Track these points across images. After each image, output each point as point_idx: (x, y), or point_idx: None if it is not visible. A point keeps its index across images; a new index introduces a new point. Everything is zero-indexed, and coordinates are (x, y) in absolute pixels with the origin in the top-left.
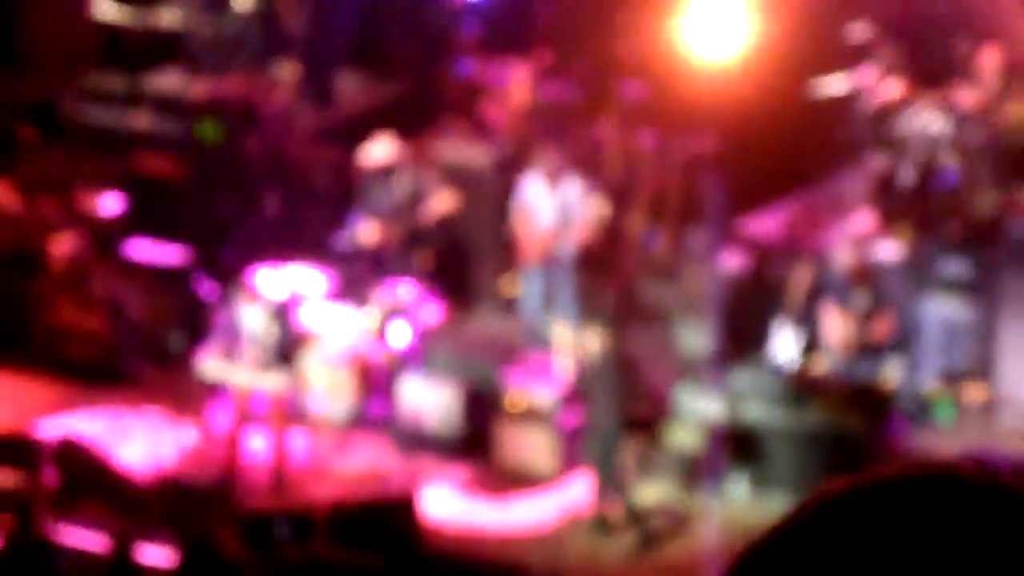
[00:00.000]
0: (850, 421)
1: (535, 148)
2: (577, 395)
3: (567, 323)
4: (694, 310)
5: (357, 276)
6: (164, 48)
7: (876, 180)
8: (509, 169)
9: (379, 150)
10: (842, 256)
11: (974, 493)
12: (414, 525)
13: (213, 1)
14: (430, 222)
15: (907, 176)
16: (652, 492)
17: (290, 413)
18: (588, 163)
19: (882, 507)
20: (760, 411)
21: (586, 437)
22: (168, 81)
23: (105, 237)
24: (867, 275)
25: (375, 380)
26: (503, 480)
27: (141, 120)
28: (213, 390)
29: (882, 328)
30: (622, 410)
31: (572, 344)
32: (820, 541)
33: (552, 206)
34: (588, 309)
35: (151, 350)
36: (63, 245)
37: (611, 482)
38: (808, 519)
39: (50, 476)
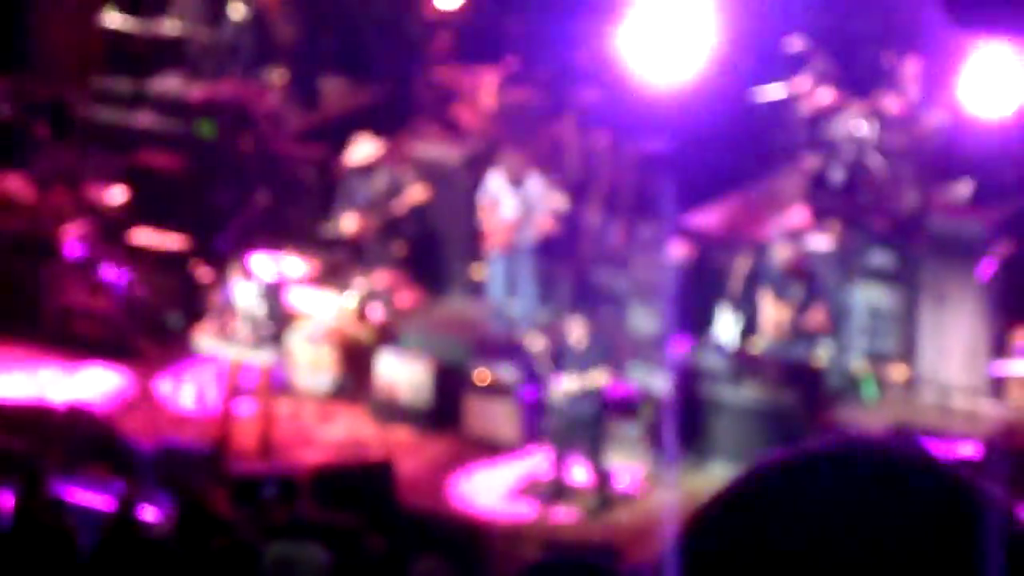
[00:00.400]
0: (784, 397)
1: (503, 147)
2: (539, 372)
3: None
4: (644, 295)
5: (338, 262)
6: (166, 54)
7: (809, 179)
8: (477, 166)
9: (360, 149)
10: (778, 248)
11: (898, 461)
12: (390, 487)
13: (210, 11)
14: (404, 213)
15: (837, 175)
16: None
17: (277, 385)
18: (549, 160)
19: (813, 476)
20: (702, 387)
21: (560, 414)
22: (169, 84)
23: (111, 225)
24: (800, 265)
25: (354, 356)
26: (471, 449)
27: (144, 119)
28: (208, 364)
29: (816, 316)
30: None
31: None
32: (757, 509)
33: (515, 199)
34: (547, 293)
35: (153, 328)
36: (73, 232)
37: (594, 455)
38: (746, 489)
39: (58, 441)
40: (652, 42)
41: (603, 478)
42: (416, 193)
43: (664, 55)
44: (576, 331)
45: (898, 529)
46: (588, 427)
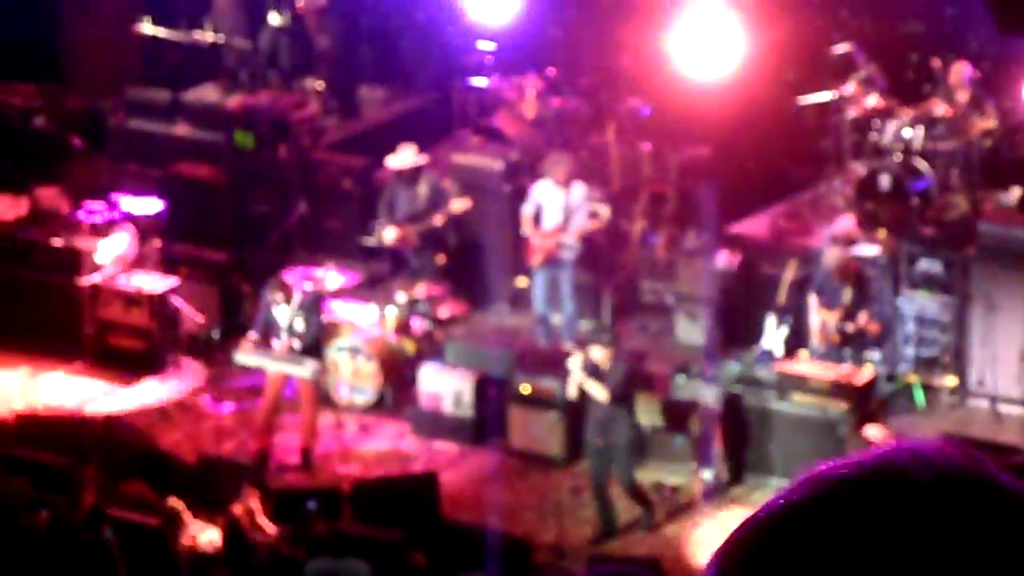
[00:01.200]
0: (833, 407)
1: (545, 156)
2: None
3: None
4: (689, 305)
5: (380, 273)
6: (202, 63)
7: (857, 186)
8: (519, 175)
9: (401, 158)
10: (826, 255)
11: (953, 473)
12: (433, 500)
13: (247, 20)
14: (446, 224)
15: (885, 182)
16: (651, 474)
17: (318, 398)
18: (591, 170)
19: (866, 490)
20: (750, 398)
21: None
22: (206, 93)
23: (147, 237)
24: (849, 273)
25: (396, 369)
26: (515, 461)
27: (181, 129)
28: (249, 378)
29: (867, 324)
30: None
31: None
32: (809, 524)
33: (559, 209)
34: (590, 305)
35: (192, 341)
36: (109, 245)
37: (630, 487)
38: (797, 503)
39: (97, 456)
40: (699, 46)
41: (636, 495)
42: (459, 205)
43: (711, 59)
44: (597, 355)
45: (956, 544)
46: (617, 446)
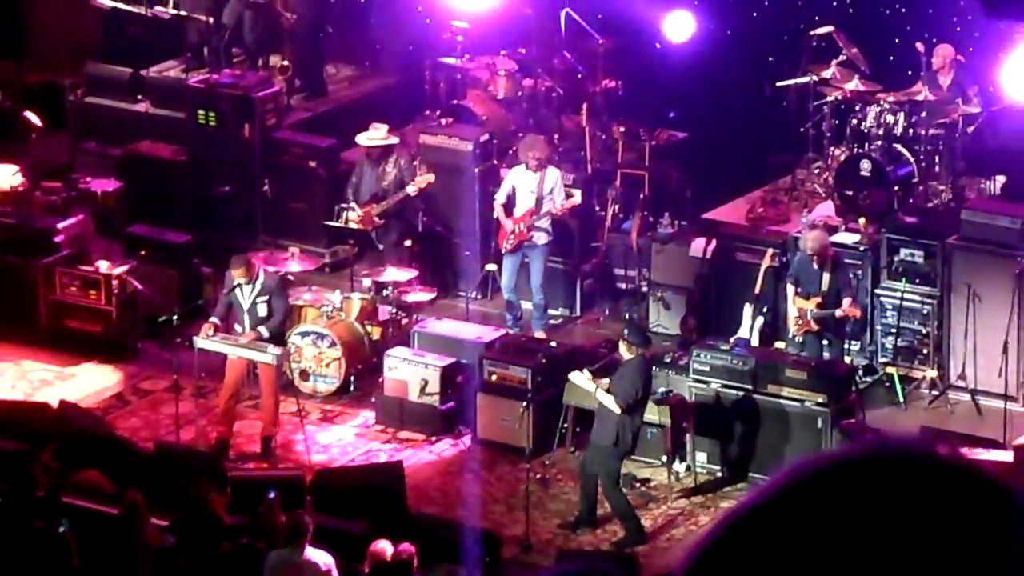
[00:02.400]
0: (809, 399)
1: (517, 138)
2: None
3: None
4: (663, 292)
5: (346, 257)
6: (164, 39)
7: (837, 172)
8: (489, 157)
9: (369, 137)
10: (804, 239)
11: (932, 467)
12: (398, 491)
13: None
14: (412, 204)
15: (866, 168)
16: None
17: (280, 385)
18: (564, 153)
19: (846, 485)
20: (725, 389)
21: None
22: (168, 70)
23: (107, 217)
24: (826, 257)
25: (361, 355)
26: (483, 452)
27: (141, 107)
28: (209, 363)
29: (850, 309)
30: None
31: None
32: (790, 518)
33: (534, 192)
34: (561, 290)
35: (151, 324)
36: (67, 225)
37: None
38: (778, 497)
39: (52, 442)
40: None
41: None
42: (421, 179)
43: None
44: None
45: (935, 537)
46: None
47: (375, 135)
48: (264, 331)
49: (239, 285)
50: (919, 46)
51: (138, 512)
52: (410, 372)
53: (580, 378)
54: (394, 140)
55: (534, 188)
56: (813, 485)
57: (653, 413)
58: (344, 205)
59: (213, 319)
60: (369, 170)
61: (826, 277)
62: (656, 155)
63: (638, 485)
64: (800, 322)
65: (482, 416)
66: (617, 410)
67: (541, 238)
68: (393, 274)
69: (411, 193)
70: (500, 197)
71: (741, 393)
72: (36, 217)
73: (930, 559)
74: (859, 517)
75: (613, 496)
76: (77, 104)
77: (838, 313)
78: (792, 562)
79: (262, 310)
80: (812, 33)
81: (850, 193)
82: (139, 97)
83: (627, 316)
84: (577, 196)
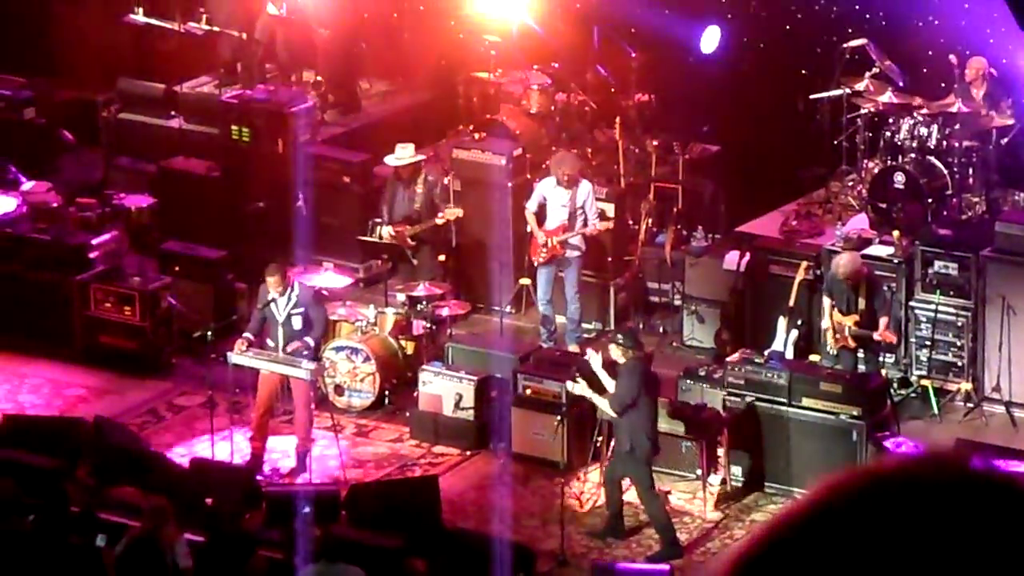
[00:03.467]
0: (844, 412)
1: (550, 153)
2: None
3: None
4: (697, 306)
5: (379, 272)
6: (198, 55)
7: (871, 184)
8: (522, 172)
9: (397, 157)
10: (836, 267)
11: (972, 481)
12: (433, 505)
13: (244, 10)
14: (445, 227)
15: (899, 180)
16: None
17: (314, 400)
18: (598, 167)
19: (883, 501)
20: (759, 403)
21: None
22: (201, 86)
23: (141, 234)
24: (862, 282)
25: (395, 370)
26: (518, 466)
27: (175, 123)
28: (243, 378)
29: (885, 334)
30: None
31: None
32: (828, 532)
33: (566, 206)
34: (595, 305)
35: (185, 341)
36: (101, 242)
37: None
38: (814, 512)
39: (86, 459)
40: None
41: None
42: (451, 213)
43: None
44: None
45: (971, 552)
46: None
47: (403, 155)
48: (310, 341)
49: (273, 300)
50: (952, 58)
51: (165, 518)
52: (444, 387)
53: (578, 388)
54: (421, 157)
55: (566, 203)
56: (850, 501)
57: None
58: (378, 220)
59: (247, 334)
60: (400, 191)
61: (861, 299)
62: (689, 169)
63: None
64: (838, 337)
65: (516, 430)
66: (612, 414)
67: (574, 252)
68: (426, 289)
69: (439, 223)
70: (531, 206)
71: (776, 406)
72: (70, 234)
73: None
74: (895, 534)
75: (649, 504)
76: (110, 120)
77: (876, 336)
78: None
79: (296, 323)
80: (845, 46)
81: (884, 206)
82: (172, 113)
83: (661, 330)
84: (608, 215)
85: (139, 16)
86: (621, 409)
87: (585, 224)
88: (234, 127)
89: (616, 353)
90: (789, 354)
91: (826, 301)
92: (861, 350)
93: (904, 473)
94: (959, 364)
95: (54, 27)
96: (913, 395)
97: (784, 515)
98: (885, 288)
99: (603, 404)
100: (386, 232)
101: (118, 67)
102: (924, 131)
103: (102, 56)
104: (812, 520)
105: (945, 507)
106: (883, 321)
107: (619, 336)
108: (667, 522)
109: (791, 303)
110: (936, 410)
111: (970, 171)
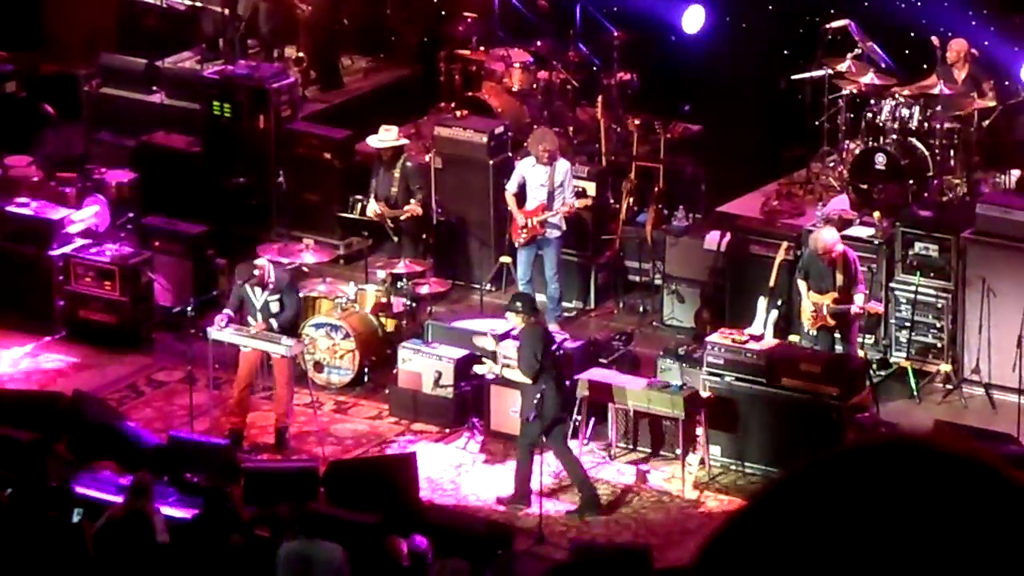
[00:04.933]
0: (823, 393)
1: (530, 130)
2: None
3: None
4: (678, 285)
5: (360, 249)
6: (180, 30)
7: (852, 165)
8: (504, 149)
9: (380, 139)
10: (814, 242)
11: (946, 461)
12: (410, 482)
13: None
14: (427, 206)
15: (880, 161)
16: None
17: (294, 376)
18: (579, 146)
19: (856, 479)
20: (738, 383)
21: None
22: (183, 61)
23: (122, 209)
24: (839, 258)
25: (375, 347)
26: (495, 443)
27: (157, 98)
28: (222, 354)
29: (870, 307)
30: None
31: None
32: (801, 511)
33: (544, 185)
34: (575, 283)
35: (165, 316)
36: (82, 216)
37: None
38: (789, 490)
39: (65, 433)
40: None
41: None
42: (411, 210)
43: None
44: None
45: (948, 531)
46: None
47: (386, 137)
48: (274, 323)
49: (249, 283)
50: (934, 40)
51: (146, 492)
52: (424, 364)
53: (489, 343)
54: (404, 142)
55: (545, 181)
56: (821, 481)
57: (666, 405)
58: (359, 197)
59: (227, 310)
60: (383, 171)
61: (839, 275)
62: (671, 148)
63: (646, 479)
64: (816, 316)
65: (495, 408)
66: (528, 381)
67: (554, 231)
68: (407, 266)
69: (402, 218)
70: (511, 187)
71: (755, 386)
72: (51, 207)
73: (936, 552)
74: (865, 511)
75: (567, 464)
76: (92, 95)
77: (854, 310)
78: (799, 558)
79: (274, 307)
80: (827, 27)
81: (865, 186)
82: (154, 88)
83: (641, 310)
84: (590, 193)
85: None
86: (533, 373)
87: (564, 203)
88: (216, 103)
89: (515, 320)
90: (769, 334)
91: (802, 285)
92: (839, 328)
93: (875, 453)
94: (939, 345)
95: (38, 1)
96: (893, 376)
97: (756, 497)
98: (864, 268)
99: (515, 374)
100: (371, 208)
101: (100, 42)
102: (905, 112)
103: (85, 31)
104: (781, 502)
105: (913, 485)
106: (860, 296)
107: (516, 303)
108: (585, 478)
109: (772, 283)
110: (915, 391)
111: (951, 152)
